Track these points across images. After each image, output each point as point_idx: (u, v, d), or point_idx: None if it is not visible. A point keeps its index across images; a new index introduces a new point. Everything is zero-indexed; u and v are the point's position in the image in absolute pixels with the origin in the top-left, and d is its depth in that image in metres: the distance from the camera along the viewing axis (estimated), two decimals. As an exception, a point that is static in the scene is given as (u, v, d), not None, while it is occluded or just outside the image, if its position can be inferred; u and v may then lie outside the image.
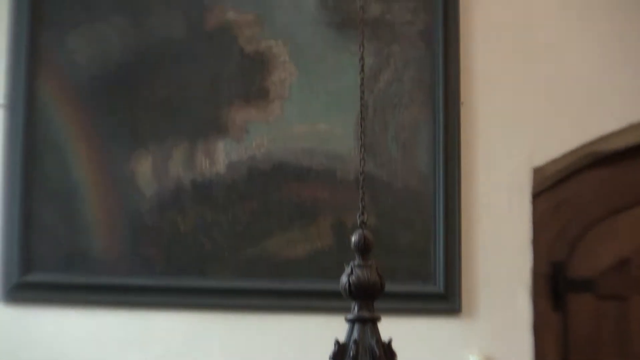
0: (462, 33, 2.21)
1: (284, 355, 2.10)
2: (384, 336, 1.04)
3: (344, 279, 1.10)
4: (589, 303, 2.33)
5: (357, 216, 1.13)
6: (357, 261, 1.10)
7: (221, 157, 2.17)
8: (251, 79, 2.19)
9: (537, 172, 2.26)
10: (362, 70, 1.34)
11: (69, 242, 2.13)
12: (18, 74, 2.13)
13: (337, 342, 1.06)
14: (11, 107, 2.13)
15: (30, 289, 2.11)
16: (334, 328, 1.10)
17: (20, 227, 2.10)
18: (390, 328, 1.11)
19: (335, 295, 1.16)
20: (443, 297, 2.19)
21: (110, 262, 2.14)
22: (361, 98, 1.34)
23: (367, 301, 1.09)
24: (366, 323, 1.07)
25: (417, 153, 2.22)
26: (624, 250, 2.34)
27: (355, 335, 1.07)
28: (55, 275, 2.11)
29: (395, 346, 1.05)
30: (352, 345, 1.06)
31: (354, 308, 1.09)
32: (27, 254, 2.09)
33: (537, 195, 2.28)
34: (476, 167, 2.22)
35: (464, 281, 2.19)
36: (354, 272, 1.09)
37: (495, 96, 2.24)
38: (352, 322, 1.08)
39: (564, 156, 2.26)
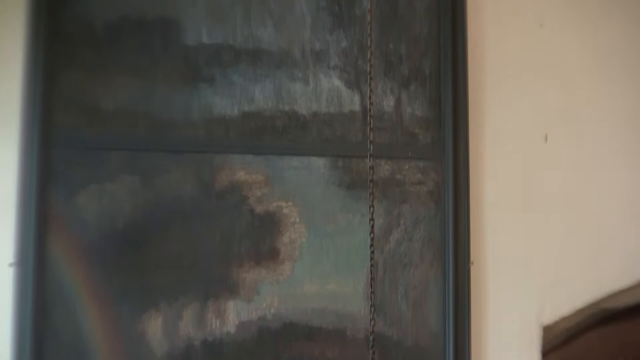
0: (472, 193, 3.06)
1: None
2: None
3: None
4: None
5: (368, 374, 1.51)
6: (367, 418, 1.49)
7: (231, 317, 2.96)
8: (261, 239, 3.01)
9: (547, 330, 3.00)
10: (372, 230, 1.90)
11: (80, 398, 2.75)
12: (27, 233, 2.92)
13: None
14: (21, 265, 2.88)
15: None
16: None
17: (32, 383, 2.72)
18: None
19: None
20: None
21: (121, 419, 2.75)
22: (371, 258, 1.90)
23: None
24: None
25: (427, 311, 3.00)
26: (631, 408, 2.95)
27: None
28: None
29: None
30: None
31: None
32: (38, 409, 2.72)
33: (547, 352, 3.02)
34: (486, 326, 3.00)
35: None
36: None
37: (504, 255, 3.06)
38: None
39: (573, 314, 3.05)
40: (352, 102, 3.20)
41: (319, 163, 3.15)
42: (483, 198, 3.17)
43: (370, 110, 2.24)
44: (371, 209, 1.96)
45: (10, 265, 2.98)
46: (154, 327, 3.01)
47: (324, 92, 3.20)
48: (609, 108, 3.30)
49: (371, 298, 2.08)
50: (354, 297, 3.07)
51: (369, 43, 2.23)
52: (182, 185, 3.10)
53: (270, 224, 3.10)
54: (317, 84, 3.19)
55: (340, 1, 3.25)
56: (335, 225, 3.11)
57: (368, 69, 2.21)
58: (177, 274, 3.05)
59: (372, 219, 1.95)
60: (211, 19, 3.18)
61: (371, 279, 2.09)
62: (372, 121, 2.19)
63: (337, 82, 3.20)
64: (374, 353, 1.80)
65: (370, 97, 2.24)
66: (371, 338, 1.86)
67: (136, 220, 3.06)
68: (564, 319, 3.13)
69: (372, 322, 1.92)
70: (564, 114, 3.29)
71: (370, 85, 2.27)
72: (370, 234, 1.96)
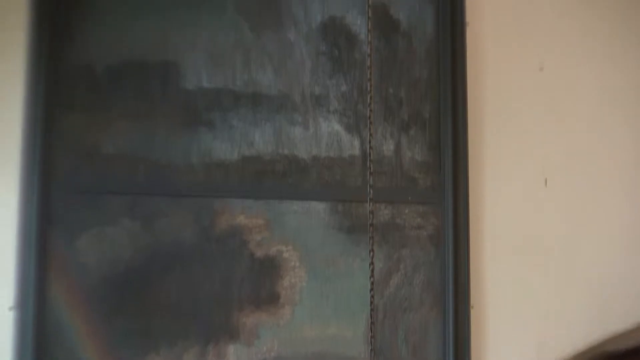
0: (472, 237, 3.23)
1: None
2: None
3: None
4: None
5: (368, 416, 1.64)
6: None
7: (232, 361, 2.91)
8: (262, 283, 3.16)
9: (547, 374, 2.97)
10: (372, 274, 2.01)
11: None
12: (28, 276, 3.06)
13: None
14: (21, 309, 3.02)
15: None
16: None
17: None
18: None
19: None
20: None
21: None
22: (371, 302, 2.02)
23: None
24: None
25: (427, 356, 3.13)
26: None
27: None
28: None
29: None
30: None
31: None
32: None
33: (546, 397, 2.97)
34: (486, 370, 2.98)
35: None
36: None
37: (504, 299, 3.20)
38: None
39: (574, 358, 3.17)
40: (352, 146, 3.38)
41: (319, 207, 3.33)
42: (483, 242, 3.35)
43: (370, 154, 2.37)
44: (371, 253, 2.08)
45: (10, 309, 3.13)
46: (155, 371, 2.99)
47: (324, 136, 3.38)
48: (609, 152, 3.48)
49: (371, 342, 2.27)
50: (354, 341, 3.23)
51: (368, 87, 2.36)
52: (182, 229, 3.27)
53: (270, 268, 3.28)
54: (317, 128, 3.37)
55: (340, 45, 3.44)
56: (335, 269, 3.29)
57: (368, 114, 2.34)
58: (177, 318, 3.20)
59: (372, 263, 2.06)
60: (211, 63, 3.36)
61: (371, 323, 2.23)
62: (371, 165, 2.30)
63: (337, 127, 3.38)
64: (374, 397, 1.67)
65: (370, 142, 2.36)
66: (371, 382, 1.70)
67: (136, 264, 3.23)
68: (565, 363, 3.14)
69: (372, 367, 1.75)
70: (564, 158, 3.47)
71: (370, 129, 2.37)
72: (370, 278, 2.08)
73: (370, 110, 2.35)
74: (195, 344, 3.21)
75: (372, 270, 2.08)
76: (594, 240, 3.43)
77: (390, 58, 3.45)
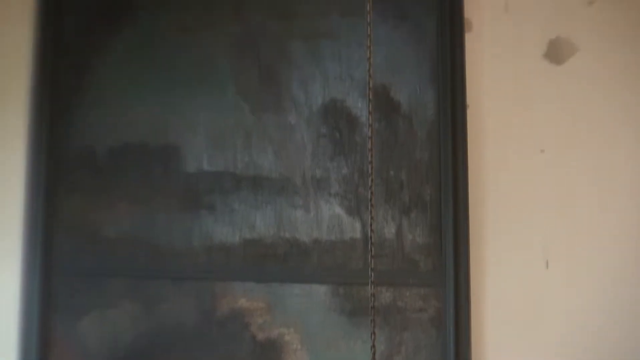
0: (473, 319, 3.40)
1: None
2: None
3: None
4: None
5: None
6: None
7: None
8: None
9: None
10: (374, 357, 2.08)
11: None
12: (29, 359, 3.23)
13: None
14: None
15: None
16: None
17: None
18: None
19: None
20: None
21: None
22: None
23: None
24: None
25: None
26: None
27: None
28: None
29: None
30: None
31: None
32: None
33: None
34: None
35: None
36: None
37: None
38: None
39: None
40: (353, 229, 3.53)
41: (320, 290, 3.50)
42: (485, 325, 3.50)
43: (371, 237, 2.43)
44: (372, 336, 2.13)
45: (15, 392, 3.05)
46: None
47: (325, 219, 3.53)
48: (611, 235, 3.62)
49: (373, 423, 2.10)
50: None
51: (369, 170, 2.39)
52: (183, 312, 3.46)
53: (271, 351, 3.42)
54: (318, 211, 3.53)
55: (341, 128, 3.60)
56: (336, 352, 3.44)
57: (369, 196, 2.42)
58: (178, 401, 3.12)
59: (373, 346, 2.12)
60: (212, 146, 3.58)
61: (372, 407, 2.17)
62: (372, 249, 2.37)
63: (338, 210, 3.52)
64: None
65: (371, 225, 2.42)
66: None
67: (138, 347, 3.40)
68: None
69: None
70: (566, 240, 3.62)
71: (371, 212, 2.42)
72: (371, 361, 1.94)
73: (371, 193, 2.39)
74: None
75: (374, 354, 2.13)
76: (598, 324, 3.56)
77: (391, 140, 3.58)
